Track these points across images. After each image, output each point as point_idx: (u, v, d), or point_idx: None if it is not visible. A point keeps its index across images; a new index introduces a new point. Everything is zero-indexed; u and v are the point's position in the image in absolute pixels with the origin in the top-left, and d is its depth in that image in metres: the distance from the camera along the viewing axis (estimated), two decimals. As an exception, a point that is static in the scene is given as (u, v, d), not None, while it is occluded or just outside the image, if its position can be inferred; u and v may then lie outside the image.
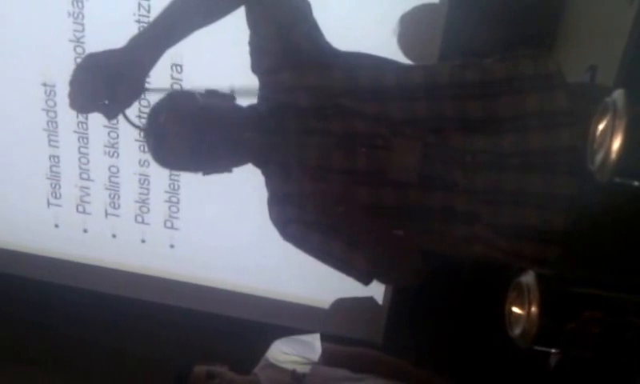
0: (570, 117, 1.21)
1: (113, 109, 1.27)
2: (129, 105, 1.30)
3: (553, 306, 0.91)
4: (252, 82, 1.44)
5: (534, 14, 2.29)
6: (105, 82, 1.21)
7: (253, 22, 1.37)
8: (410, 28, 2.27)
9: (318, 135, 1.32)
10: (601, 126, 0.84)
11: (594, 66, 1.72)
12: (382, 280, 1.47)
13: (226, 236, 2.71)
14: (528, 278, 0.94)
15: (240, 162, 1.41)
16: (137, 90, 1.26)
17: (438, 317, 2.53)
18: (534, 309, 0.91)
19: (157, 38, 1.27)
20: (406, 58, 2.20)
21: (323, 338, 1.99)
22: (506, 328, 0.98)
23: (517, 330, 0.94)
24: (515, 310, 0.95)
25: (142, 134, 1.35)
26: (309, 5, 1.40)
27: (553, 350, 0.95)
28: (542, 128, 1.23)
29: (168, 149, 1.30)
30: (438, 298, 2.42)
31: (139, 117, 1.48)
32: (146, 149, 1.35)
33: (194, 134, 1.27)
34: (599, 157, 0.84)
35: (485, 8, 2.27)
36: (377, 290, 2.70)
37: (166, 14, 1.29)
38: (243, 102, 1.43)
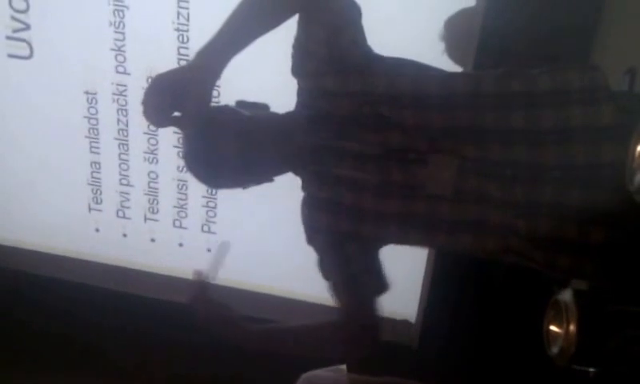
0: (614, 131, 1.19)
1: (184, 121, 1.32)
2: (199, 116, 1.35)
3: (591, 324, 0.91)
4: (289, 87, 1.46)
5: (570, 13, 2.27)
6: (172, 99, 1.27)
7: (305, 22, 1.38)
8: (449, 33, 2.27)
9: (355, 144, 1.33)
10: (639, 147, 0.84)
11: (633, 67, 1.68)
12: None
13: (263, 240, 2.73)
14: (566, 296, 0.94)
15: (278, 171, 1.43)
16: (203, 102, 1.30)
17: (472, 333, 2.52)
18: (572, 327, 0.91)
19: (216, 53, 1.30)
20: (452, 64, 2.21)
21: (350, 370, 1.98)
22: (543, 346, 0.97)
23: (554, 349, 0.94)
24: (553, 328, 0.95)
25: (182, 157, 1.40)
26: (359, 10, 1.40)
27: (591, 369, 0.94)
28: (586, 141, 1.21)
29: (215, 167, 1.33)
30: (472, 314, 2.41)
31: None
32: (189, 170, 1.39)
33: (240, 148, 1.31)
34: (638, 177, 0.84)
35: (521, 10, 2.26)
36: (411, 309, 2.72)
37: (225, 28, 1.31)
38: (277, 109, 1.45)
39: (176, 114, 1.30)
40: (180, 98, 1.26)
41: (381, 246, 1.46)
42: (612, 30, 2.28)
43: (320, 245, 1.46)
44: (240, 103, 1.40)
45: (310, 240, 1.48)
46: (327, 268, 1.47)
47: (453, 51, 2.27)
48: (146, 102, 1.28)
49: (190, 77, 1.28)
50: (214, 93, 1.31)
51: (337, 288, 1.47)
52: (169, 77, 1.29)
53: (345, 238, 1.41)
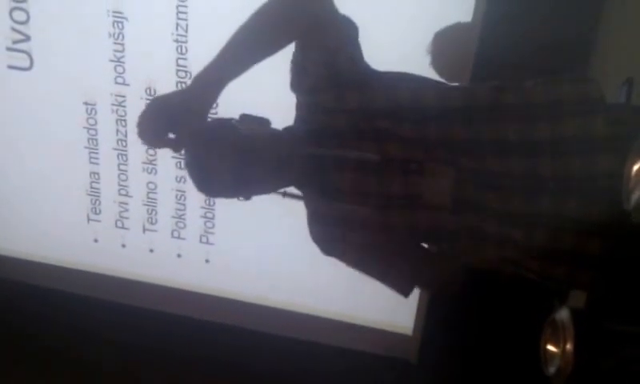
0: (610, 142, 1.20)
1: (178, 143, 1.33)
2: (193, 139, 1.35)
3: (589, 344, 0.90)
4: (288, 101, 1.46)
5: (568, 26, 2.28)
6: (166, 122, 1.28)
7: (302, 47, 1.39)
8: (444, 47, 2.27)
9: (355, 159, 1.33)
10: (636, 167, 0.84)
11: (631, 78, 1.68)
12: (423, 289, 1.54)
13: (261, 251, 2.73)
14: (563, 315, 0.94)
15: (279, 185, 1.43)
16: (198, 126, 1.30)
17: (471, 348, 2.51)
18: (568, 346, 0.90)
19: (213, 79, 1.31)
20: (440, 78, 2.20)
21: None
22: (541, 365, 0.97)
23: (552, 369, 0.93)
24: (550, 347, 0.95)
25: (184, 166, 1.40)
26: (356, 28, 1.41)
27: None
28: (581, 153, 1.22)
29: (213, 179, 1.33)
30: (471, 328, 2.40)
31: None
32: (188, 178, 1.40)
33: (237, 163, 1.31)
34: (635, 197, 0.84)
35: (519, 22, 2.26)
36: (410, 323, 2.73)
37: (222, 54, 1.32)
38: (278, 124, 1.45)
39: (170, 135, 1.30)
40: (175, 121, 1.27)
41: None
42: (609, 42, 2.29)
43: (340, 252, 1.45)
44: (243, 117, 1.40)
45: (327, 251, 1.46)
46: (363, 265, 1.46)
47: (447, 69, 2.27)
48: (142, 124, 1.29)
49: (186, 101, 1.29)
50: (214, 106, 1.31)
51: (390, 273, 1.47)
52: (165, 100, 1.30)
53: (357, 246, 1.41)
